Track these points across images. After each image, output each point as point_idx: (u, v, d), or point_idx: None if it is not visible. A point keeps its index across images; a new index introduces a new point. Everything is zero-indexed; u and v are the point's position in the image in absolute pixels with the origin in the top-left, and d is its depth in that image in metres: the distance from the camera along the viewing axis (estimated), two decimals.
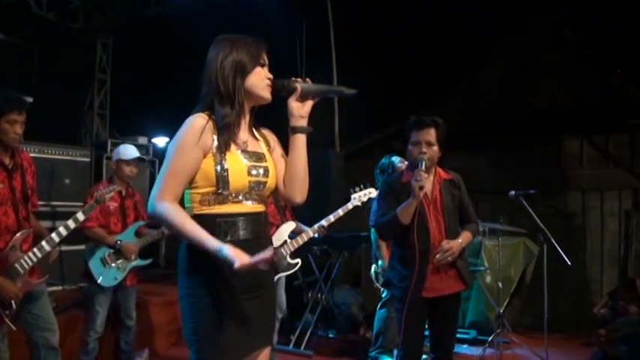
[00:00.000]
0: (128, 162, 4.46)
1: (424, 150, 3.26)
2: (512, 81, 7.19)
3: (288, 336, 5.61)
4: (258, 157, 2.22)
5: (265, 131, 2.36)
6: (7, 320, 3.20)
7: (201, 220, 2.09)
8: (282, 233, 4.60)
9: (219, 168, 2.09)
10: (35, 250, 3.32)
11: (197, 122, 2.11)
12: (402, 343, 3.34)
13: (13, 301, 3.19)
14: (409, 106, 6.21)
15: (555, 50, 6.89)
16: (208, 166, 2.10)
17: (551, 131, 6.94)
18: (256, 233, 2.18)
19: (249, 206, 2.18)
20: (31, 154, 5.69)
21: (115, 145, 6.74)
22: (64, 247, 5.86)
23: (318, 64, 7.36)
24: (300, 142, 2.25)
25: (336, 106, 7.31)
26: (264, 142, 2.31)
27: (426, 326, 3.43)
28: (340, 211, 4.72)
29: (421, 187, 3.07)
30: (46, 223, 3.61)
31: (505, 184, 5.76)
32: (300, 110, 2.23)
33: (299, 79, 2.23)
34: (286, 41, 7.32)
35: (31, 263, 3.29)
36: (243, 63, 2.15)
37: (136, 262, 4.44)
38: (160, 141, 7.93)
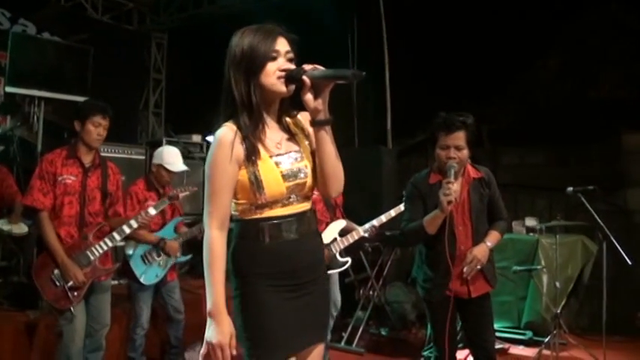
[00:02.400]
0: (169, 172, 4.49)
1: (452, 155, 3.13)
2: (570, 73, 7.01)
3: (339, 333, 5.59)
4: (295, 157, 2.16)
5: (302, 115, 2.25)
6: (72, 301, 3.52)
7: (245, 225, 2.13)
8: (332, 231, 4.59)
9: (253, 179, 2.07)
10: (106, 239, 3.67)
11: (225, 136, 2.06)
12: (435, 342, 3.28)
13: (72, 283, 3.51)
14: (464, 100, 6.10)
15: (615, 41, 6.67)
16: (243, 177, 2.08)
17: (611, 125, 6.70)
18: (302, 232, 2.15)
19: (292, 207, 2.15)
20: None
21: (171, 143, 6.88)
22: (119, 244, 6.01)
23: (369, 59, 7.31)
24: (322, 135, 2.12)
25: (389, 101, 7.24)
26: (301, 133, 2.23)
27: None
28: (392, 212, 4.68)
29: (449, 202, 2.97)
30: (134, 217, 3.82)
31: (562, 181, 5.60)
32: (314, 103, 2.08)
33: (306, 67, 2.07)
34: (338, 36, 7.32)
35: (101, 251, 3.64)
36: (250, 64, 2.06)
37: (177, 259, 4.51)
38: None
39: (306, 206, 2.20)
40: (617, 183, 6.72)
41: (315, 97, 2.08)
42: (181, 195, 4.15)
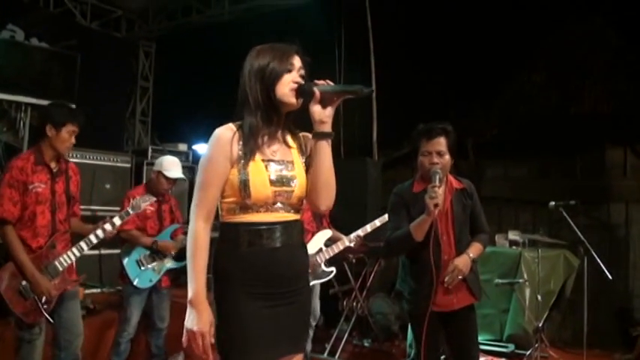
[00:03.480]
0: (168, 179, 4.52)
1: (435, 160, 3.17)
2: (554, 87, 7.07)
3: (322, 344, 5.59)
4: (286, 165, 2.20)
5: (303, 135, 2.31)
6: (44, 313, 3.39)
7: (226, 228, 2.18)
8: (318, 241, 4.61)
9: (241, 178, 2.11)
10: (74, 249, 3.57)
11: (223, 134, 2.16)
12: (416, 356, 3.29)
13: (44, 297, 3.37)
14: (450, 113, 6.15)
15: (599, 56, 6.74)
16: (233, 176, 2.13)
17: (594, 140, 6.77)
18: (285, 241, 2.16)
19: (278, 214, 2.17)
20: (74, 160, 5.92)
21: (157, 152, 6.87)
22: (102, 251, 6.02)
23: (356, 68, 7.35)
24: (323, 148, 2.18)
25: (375, 113, 7.28)
26: (298, 149, 2.28)
27: None
28: (377, 222, 4.70)
29: (436, 205, 2.97)
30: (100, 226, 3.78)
31: (546, 194, 5.64)
32: (321, 115, 2.15)
33: (318, 82, 2.17)
34: (325, 47, 7.35)
35: (69, 261, 3.53)
36: (269, 72, 2.15)
37: (171, 265, 4.51)
38: (200, 148, 8.03)
39: (293, 217, 2.22)
40: (600, 197, 6.78)
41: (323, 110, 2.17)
42: (143, 205, 4.07)
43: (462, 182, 3.40)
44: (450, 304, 3.23)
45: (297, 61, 2.19)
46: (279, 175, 2.16)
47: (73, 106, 6.04)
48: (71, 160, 5.83)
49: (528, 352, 5.01)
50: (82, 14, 8.19)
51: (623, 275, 6.49)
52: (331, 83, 2.17)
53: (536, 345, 4.88)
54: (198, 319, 2.06)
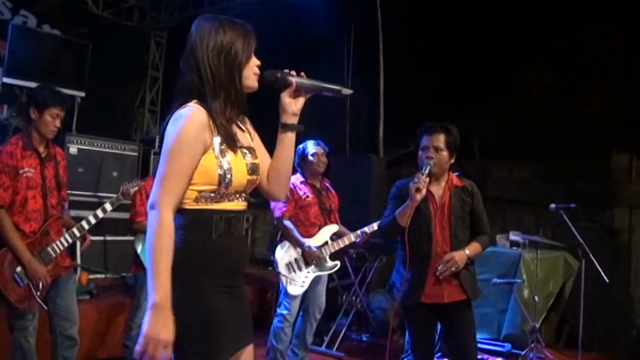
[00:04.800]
0: None
1: (431, 154, 3.29)
2: (561, 91, 7.07)
3: (321, 337, 5.64)
4: (251, 152, 2.12)
5: (243, 119, 2.22)
6: (38, 299, 3.41)
7: (193, 215, 1.99)
8: (324, 234, 4.66)
9: (223, 166, 1.98)
10: (67, 235, 3.59)
11: (198, 117, 1.94)
12: (411, 348, 3.35)
13: (41, 283, 3.39)
14: (456, 112, 6.18)
15: (606, 61, 6.74)
16: (209, 163, 1.96)
17: (600, 144, 6.77)
18: (240, 230, 2.09)
19: (239, 204, 2.09)
20: (81, 147, 6.04)
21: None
22: (108, 238, 6.09)
23: (364, 66, 7.38)
24: (289, 139, 2.14)
25: (382, 110, 7.31)
26: (247, 132, 2.20)
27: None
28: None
29: (417, 190, 3.12)
30: (92, 213, 3.82)
31: (550, 197, 5.65)
32: (292, 106, 2.10)
33: (293, 72, 2.10)
34: (334, 43, 7.38)
35: (62, 248, 3.56)
36: (234, 52, 2.01)
37: None
38: None
39: (244, 205, 2.13)
40: (604, 202, 6.79)
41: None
42: (132, 190, 4.11)
43: (464, 181, 3.48)
44: (440, 296, 3.28)
45: (255, 44, 2.09)
46: (252, 162, 2.09)
47: (82, 94, 6.13)
48: (79, 146, 6.02)
49: (524, 352, 5.05)
50: (94, 3, 8.25)
51: (625, 280, 6.50)
52: (304, 75, 2.13)
53: (532, 345, 4.91)
54: (166, 326, 1.80)
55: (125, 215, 5.09)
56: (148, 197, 4.16)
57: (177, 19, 8.61)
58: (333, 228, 4.74)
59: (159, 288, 1.83)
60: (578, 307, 5.03)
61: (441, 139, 3.31)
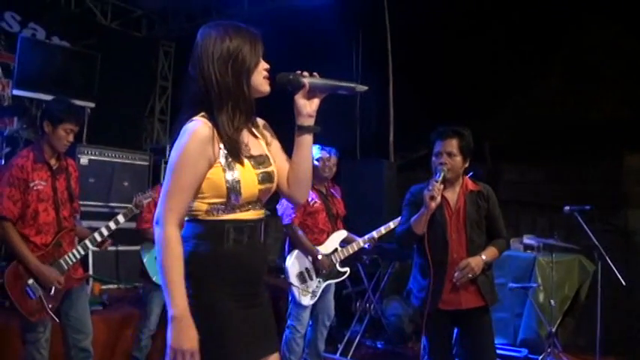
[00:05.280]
0: None
1: (444, 160, 3.26)
2: (572, 92, 7.04)
3: (335, 344, 5.60)
4: (264, 161, 2.09)
5: (260, 122, 2.21)
6: (50, 312, 3.38)
7: (206, 226, 2.01)
8: (333, 241, 4.63)
9: (230, 179, 1.97)
10: (79, 247, 3.56)
11: (201, 131, 1.94)
12: (428, 355, 3.31)
13: (54, 290, 3.37)
14: (467, 116, 6.15)
15: (616, 62, 6.70)
16: (217, 176, 1.97)
17: (612, 145, 6.72)
18: (257, 240, 2.09)
19: (251, 213, 2.07)
20: (92, 157, 6.04)
21: None
22: (120, 248, 6.08)
23: (374, 70, 7.36)
24: (306, 141, 2.11)
25: (392, 115, 7.28)
26: (262, 138, 2.17)
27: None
28: (391, 224, 4.72)
29: (432, 198, 3.09)
30: (103, 223, 3.80)
31: (563, 199, 5.60)
32: (307, 108, 2.08)
33: (305, 73, 2.08)
34: (343, 48, 7.37)
35: (75, 260, 3.54)
36: (242, 58, 1.99)
37: None
38: None
39: (261, 214, 2.13)
40: (617, 203, 6.73)
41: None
42: (145, 202, 4.10)
43: (479, 185, 3.45)
44: (457, 302, 3.27)
45: (263, 48, 2.07)
46: (263, 172, 2.07)
47: (92, 105, 6.13)
48: (90, 157, 6.02)
49: (541, 357, 4.99)
50: (102, 13, 8.27)
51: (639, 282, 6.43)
52: (317, 75, 2.10)
53: (549, 350, 4.85)
54: (186, 336, 1.88)
55: None
56: (155, 205, 4.16)
57: (185, 28, 8.60)
58: (342, 234, 4.72)
59: (174, 301, 1.89)
60: (595, 311, 4.97)
61: (454, 144, 3.29)
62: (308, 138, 2.12)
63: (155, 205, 4.18)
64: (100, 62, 6.96)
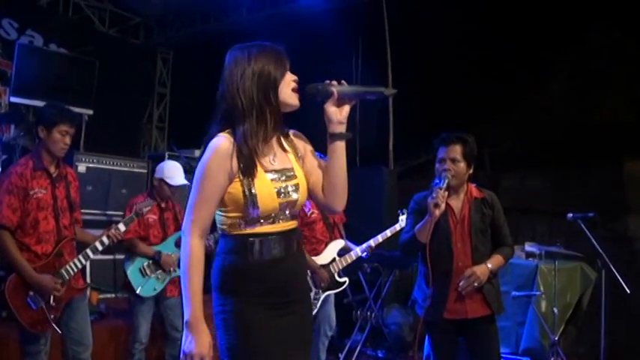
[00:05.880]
0: (170, 186, 4.44)
1: (447, 167, 3.22)
2: (573, 98, 7.02)
3: (336, 354, 5.55)
4: (288, 174, 2.14)
5: (294, 136, 2.26)
6: (52, 323, 3.33)
7: (232, 240, 2.10)
8: (331, 251, 4.59)
9: (247, 193, 2.04)
10: (80, 257, 3.50)
11: (221, 146, 2.05)
12: None
13: (55, 299, 3.32)
14: (466, 122, 6.13)
15: (618, 66, 6.68)
16: (236, 190, 2.05)
17: (613, 151, 6.70)
18: (289, 250, 2.14)
19: (280, 225, 2.12)
20: (90, 165, 5.99)
21: (173, 158, 6.88)
22: (117, 256, 6.02)
23: (373, 78, 7.33)
24: (340, 148, 2.15)
25: (391, 122, 7.26)
26: (293, 152, 2.22)
27: None
28: (388, 232, 4.71)
29: (436, 205, 3.03)
30: (101, 232, 3.73)
31: (564, 206, 5.57)
32: (338, 115, 2.12)
33: (334, 82, 2.12)
34: (342, 55, 7.35)
35: (76, 270, 3.48)
36: (270, 74, 2.07)
37: (176, 274, 4.41)
38: None
39: (292, 224, 2.18)
40: (618, 209, 6.70)
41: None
42: (145, 210, 4.04)
43: (483, 192, 3.41)
44: (463, 312, 3.21)
45: (288, 62, 2.14)
46: (283, 186, 2.11)
47: (90, 112, 6.10)
48: (87, 164, 5.97)
49: None
50: (100, 21, 8.27)
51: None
52: (345, 83, 2.13)
53: (552, 359, 4.80)
54: (198, 341, 1.98)
55: None
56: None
57: (183, 35, 8.61)
58: (339, 244, 4.68)
59: (190, 307, 2.00)
60: (595, 319, 4.93)
61: (457, 150, 3.24)
62: (340, 145, 2.15)
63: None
64: (98, 69, 6.93)
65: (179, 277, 4.39)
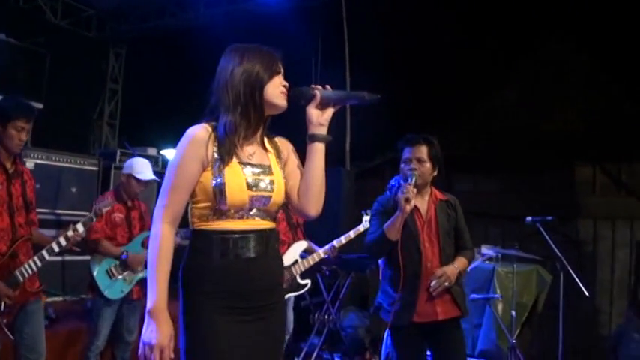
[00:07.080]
0: (140, 182, 4.35)
1: (414, 166, 3.22)
2: (526, 105, 7.14)
3: (292, 357, 5.48)
4: (264, 169, 2.11)
5: (279, 140, 2.25)
6: (4, 327, 3.16)
7: (197, 236, 2.06)
8: (294, 252, 4.53)
9: (216, 182, 2.00)
10: (35, 258, 3.31)
11: (197, 134, 2.05)
12: None
13: (4, 303, 3.14)
14: (421, 126, 6.16)
15: (570, 76, 6.83)
16: (206, 179, 2.02)
17: (564, 157, 6.85)
18: (260, 251, 2.06)
19: (253, 222, 2.07)
20: (38, 161, 5.76)
21: (125, 155, 6.69)
22: (66, 257, 5.80)
23: (332, 78, 7.29)
24: (318, 151, 2.12)
25: (348, 124, 7.24)
26: (274, 153, 2.19)
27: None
28: (352, 233, 4.67)
29: (407, 200, 3.01)
30: (50, 232, 3.57)
31: (515, 209, 5.66)
32: (319, 118, 2.12)
33: (318, 86, 2.13)
34: (301, 55, 7.29)
35: (31, 271, 3.29)
36: (258, 73, 2.07)
37: (143, 274, 4.29)
38: (169, 153, 7.86)
39: (268, 224, 2.12)
40: (568, 213, 6.85)
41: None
42: (105, 209, 3.88)
43: (446, 195, 3.44)
44: (433, 313, 3.19)
45: (280, 66, 2.14)
46: (256, 178, 2.06)
47: (40, 105, 5.86)
48: (36, 161, 5.72)
49: None
50: (52, 11, 7.97)
51: (590, 291, 6.53)
52: (329, 88, 2.14)
53: None
54: (158, 331, 1.92)
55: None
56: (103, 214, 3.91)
57: (137, 30, 8.38)
58: (302, 245, 4.63)
59: (152, 295, 1.95)
60: (549, 321, 5.01)
61: (423, 151, 3.26)
62: (319, 147, 2.12)
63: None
64: (49, 62, 6.68)
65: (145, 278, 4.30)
